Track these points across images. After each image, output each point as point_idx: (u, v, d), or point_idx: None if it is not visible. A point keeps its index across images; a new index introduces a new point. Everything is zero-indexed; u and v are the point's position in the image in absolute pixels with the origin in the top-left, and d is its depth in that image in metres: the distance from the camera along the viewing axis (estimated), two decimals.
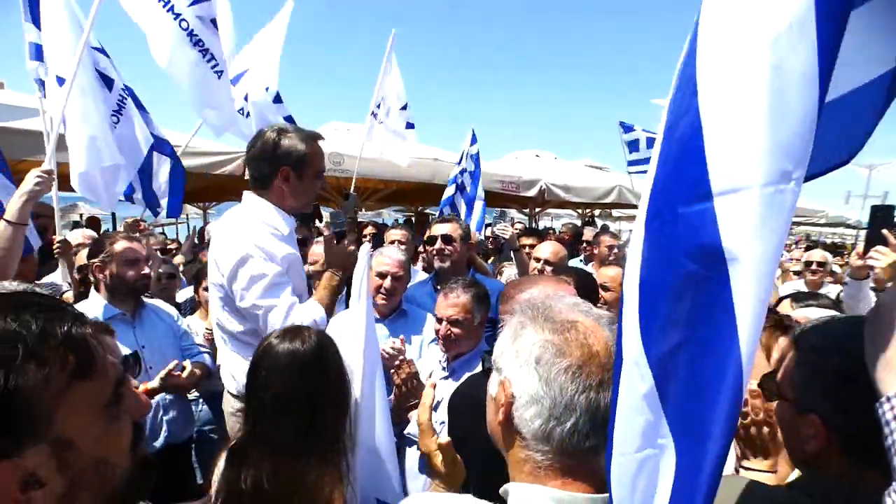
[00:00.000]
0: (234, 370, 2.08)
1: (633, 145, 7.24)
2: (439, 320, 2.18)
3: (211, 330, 2.70)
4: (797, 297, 2.38)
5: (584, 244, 5.68)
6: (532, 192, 8.65)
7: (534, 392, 0.81)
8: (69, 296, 3.06)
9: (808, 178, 0.70)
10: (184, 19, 3.39)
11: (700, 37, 0.67)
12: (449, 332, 2.13)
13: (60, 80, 3.09)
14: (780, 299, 2.60)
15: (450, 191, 5.69)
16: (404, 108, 5.52)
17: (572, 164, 11.42)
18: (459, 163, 5.83)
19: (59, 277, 3.64)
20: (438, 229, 3.10)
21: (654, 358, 0.67)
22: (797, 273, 4.89)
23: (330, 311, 2.12)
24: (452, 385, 2.04)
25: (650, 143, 6.94)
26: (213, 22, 3.54)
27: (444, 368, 2.23)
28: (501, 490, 0.86)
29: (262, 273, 1.93)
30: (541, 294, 1.47)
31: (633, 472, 0.69)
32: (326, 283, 2.13)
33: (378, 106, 5.21)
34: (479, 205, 5.73)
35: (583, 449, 0.80)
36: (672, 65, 0.76)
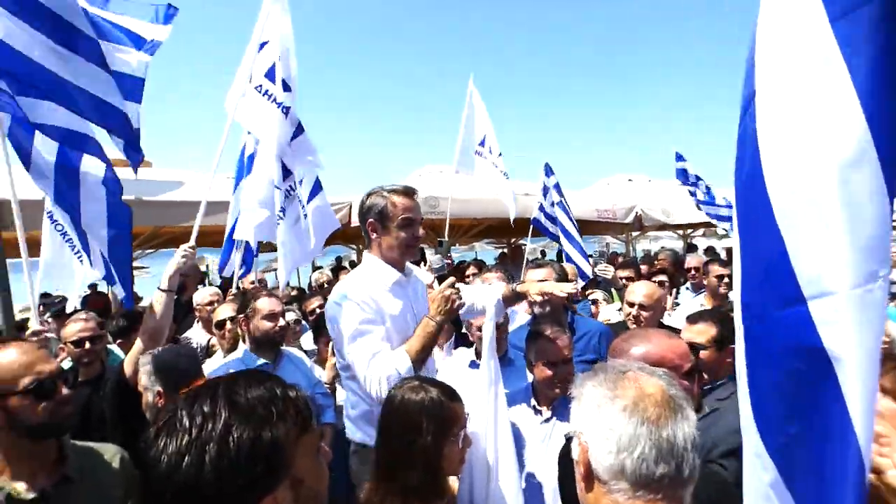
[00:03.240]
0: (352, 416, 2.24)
1: (681, 174, 7.24)
2: (552, 364, 2.20)
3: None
4: None
5: (692, 271, 5.39)
6: (628, 219, 8.40)
7: (602, 434, 0.92)
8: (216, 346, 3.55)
9: None
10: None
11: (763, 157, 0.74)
12: (566, 372, 2.20)
13: None
14: None
15: (548, 225, 5.94)
16: (499, 154, 5.78)
17: (669, 182, 10.89)
18: (546, 196, 5.94)
19: (194, 332, 4.18)
20: (534, 276, 3.15)
21: (773, 449, 0.72)
22: None
23: (421, 360, 2.08)
24: (558, 425, 2.19)
25: (696, 178, 7.17)
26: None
27: (537, 412, 2.28)
28: None
29: (347, 323, 2.05)
30: (656, 349, 1.53)
31: None
32: (420, 331, 2.12)
33: (481, 143, 5.58)
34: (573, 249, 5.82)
35: (654, 478, 0.87)
36: None
